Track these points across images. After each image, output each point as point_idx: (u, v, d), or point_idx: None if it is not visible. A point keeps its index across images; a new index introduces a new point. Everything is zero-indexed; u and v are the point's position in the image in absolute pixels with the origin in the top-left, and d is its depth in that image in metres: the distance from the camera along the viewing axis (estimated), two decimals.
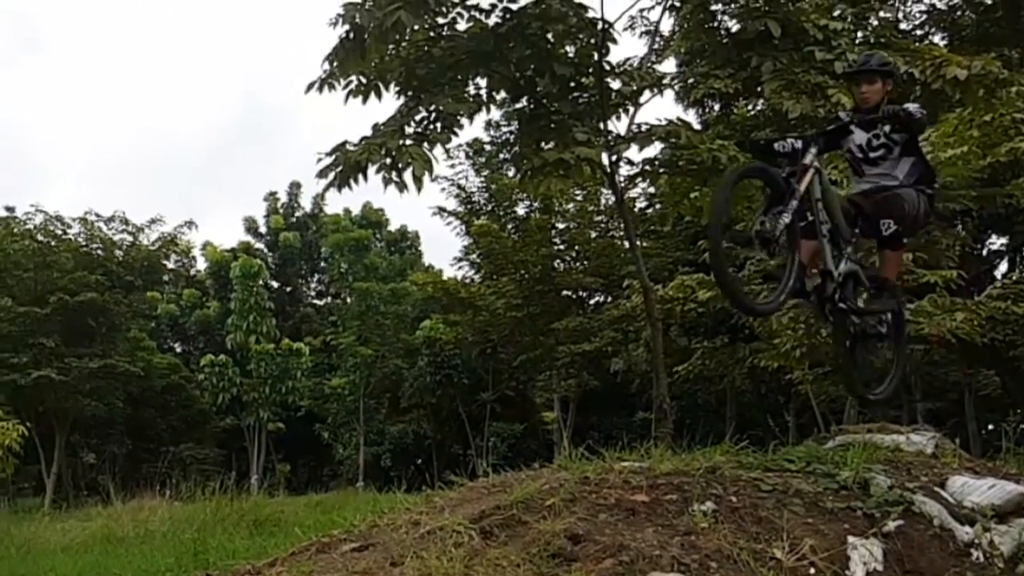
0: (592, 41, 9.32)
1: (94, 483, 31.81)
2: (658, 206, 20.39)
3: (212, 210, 71.01)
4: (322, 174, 8.81)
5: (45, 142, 75.09)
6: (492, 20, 8.96)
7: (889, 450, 4.87)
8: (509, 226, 26.41)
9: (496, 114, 21.11)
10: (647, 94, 10.08)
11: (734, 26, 10.23)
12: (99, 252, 29.41)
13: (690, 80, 10.87)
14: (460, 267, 28.96)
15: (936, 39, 20.02)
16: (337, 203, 54.05)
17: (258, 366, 34.28)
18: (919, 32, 20.40)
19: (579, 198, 24.53)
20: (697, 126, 14.25)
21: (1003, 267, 22.69)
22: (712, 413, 26.64)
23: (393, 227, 41.59)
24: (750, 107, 17.69)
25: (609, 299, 26.06)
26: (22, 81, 74.24)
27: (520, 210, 27.06)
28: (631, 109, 9.93)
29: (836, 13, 10.12)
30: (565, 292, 26.09)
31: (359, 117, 42.82)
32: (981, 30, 19.66)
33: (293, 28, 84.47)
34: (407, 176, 8.59)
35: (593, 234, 25.36)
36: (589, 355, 25.00)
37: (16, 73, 74.63)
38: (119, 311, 29.40)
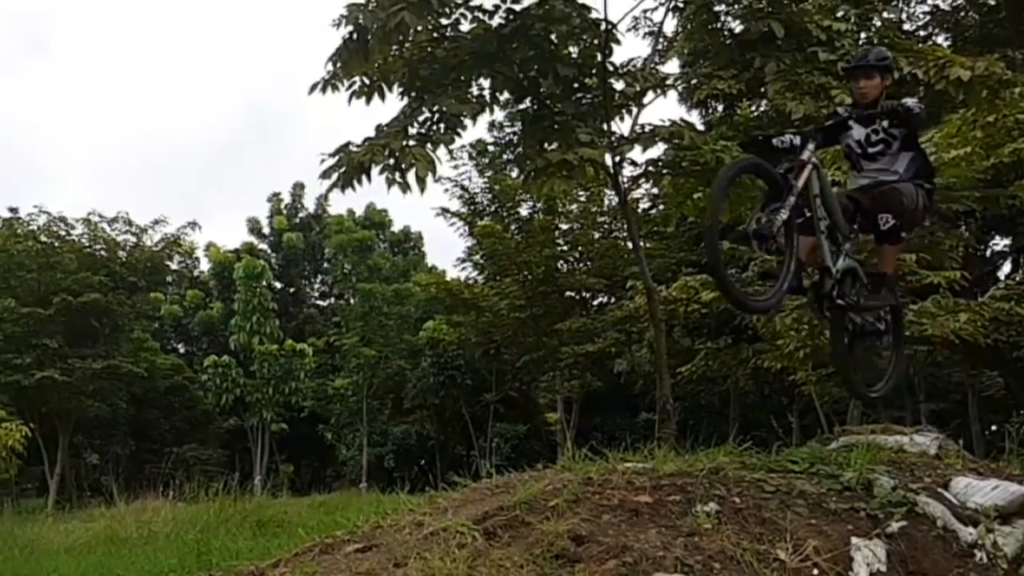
0: (595, 42, 9.33)
1: (97, 484, 31.73)
2: (661, 207, 20.42)
3: (216, 211, 71.07)
4: (326, 175, 8.84)
5: (49, 143, 75.25)
6: (495, 21, 9.00)
7: (892, 451, 4.85)
8: (512, 227, 26.39)
9: (499, 115, 21.17)
10: (650, 95, 10.11)
11: (737, 27, 10.24)
12: (103, 253, 29.37)
13: (693, 81, 10.84)
14: (463, 268, 29.03)
15: (940, 40, 20.01)
16: (341, 204, 54.01)
17: (261, 367, 34.26)
18: (922, 33, 20.38)
19: (582, 199, 24.53)
20: (700, 127, 14.31)
21: (1006, 268, 22.73)
22: (715, 414, 26.58)
23: (397, 228, 41.69)
24: (753, 108, 17.66)
25: (612, 300, 26.06)
26: (26, 82, 74.30)
27: (523, 211, 27.05)
28: (634, 110, 9.95)
29: (839, 14, 10.13)
30: (568, 293, 26.11)
31: (363, 118, 42.81)
32: (985, 31, 19.62)
33: (297, 29, 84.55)
34: (410, 177, 8.63)
35: (596, 235, 25.35)
36: (592, 356, 24.99)
37: (20, 74, 74.85)
38: (122, 312, 29.37)
